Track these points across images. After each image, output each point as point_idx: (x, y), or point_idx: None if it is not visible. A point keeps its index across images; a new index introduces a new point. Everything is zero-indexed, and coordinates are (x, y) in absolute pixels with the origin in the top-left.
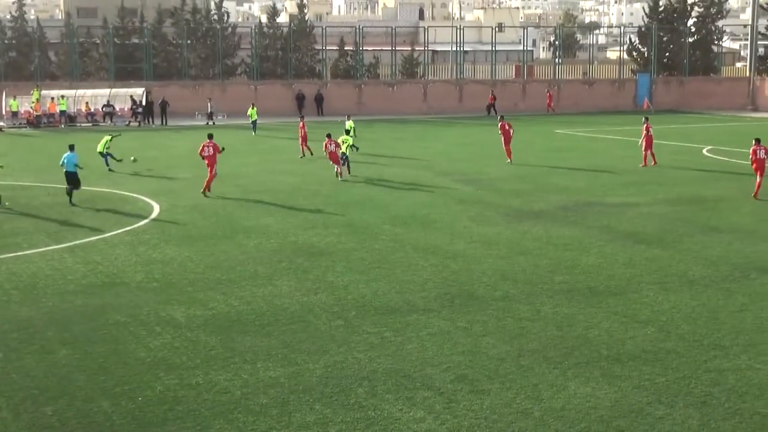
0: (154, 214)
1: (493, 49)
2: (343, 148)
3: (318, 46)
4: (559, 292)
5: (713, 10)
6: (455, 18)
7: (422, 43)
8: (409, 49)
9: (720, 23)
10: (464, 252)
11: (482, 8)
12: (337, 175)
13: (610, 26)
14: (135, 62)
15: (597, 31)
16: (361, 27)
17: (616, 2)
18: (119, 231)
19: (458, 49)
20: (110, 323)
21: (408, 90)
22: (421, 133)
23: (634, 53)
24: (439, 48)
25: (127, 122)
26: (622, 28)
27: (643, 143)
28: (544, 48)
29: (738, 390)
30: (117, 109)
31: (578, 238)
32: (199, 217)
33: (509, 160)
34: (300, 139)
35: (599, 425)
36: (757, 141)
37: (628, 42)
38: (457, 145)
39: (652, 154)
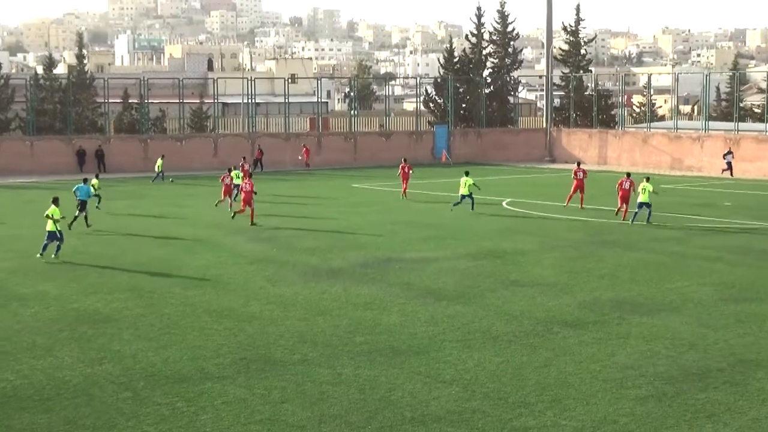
0: None
1: (287, 101)
2: (466, 189)
3: (100, 99)
4: (361, 354)
5: (508, 61)
6: (246, 69)
7: (212, 95)
8: (198, 101)
9: (515, 74)
10: (260, 314)
11: (274, 59)
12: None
13: (406, 77)
14: None
15: (393, 82)
16: (146, 78)
17: (411, 53)
18: None
19: (249, 101)
20: None
21: (197, 144)
22: (212, 189)
23: (431, 105)
24: (229, 100)
25: None
26: (418, 78)
27: (573, 184)
28: (339, 99)
29: None
30: None
31: (378, 297)
32: None
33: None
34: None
35: None
36: (627, 175)
37: (424, 93)
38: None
39: (581, 198)
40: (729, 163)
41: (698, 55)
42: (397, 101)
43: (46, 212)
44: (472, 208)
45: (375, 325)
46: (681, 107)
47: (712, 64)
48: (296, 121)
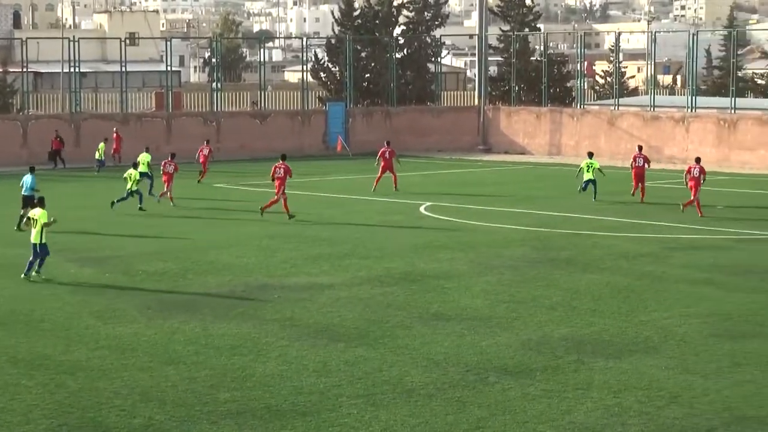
0: None
1: (123, 69)
2: (590, 173)
3: None
4: (226, 416)
5: (428, 15)
6: (67, 26)
7: (19, 61)
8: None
9: (438, 33)
10: (87, 363)
11: (106, 12)
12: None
13: (289, 37)
14: None
15: (271, 44)
16: None
17: (295, 4)
18: None
19: (72, 69)
20: None
21: None
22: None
23: (323, 75)
24: (44, 69)
25: None
26: (305, 39)
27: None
28: (196, 68)
29: None
30: None
31: (251, 337)
32: None
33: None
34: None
35: None
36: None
37: (313, 59)
38: (71, 209)
39: (641, 188)
40: None
41: (682, 8)
42: (277, 70)
43: (34, 217)
44: (595, 198)
45: (245, 376)
46: (660, 77)
47: (701, 19)
48: (137, 98)
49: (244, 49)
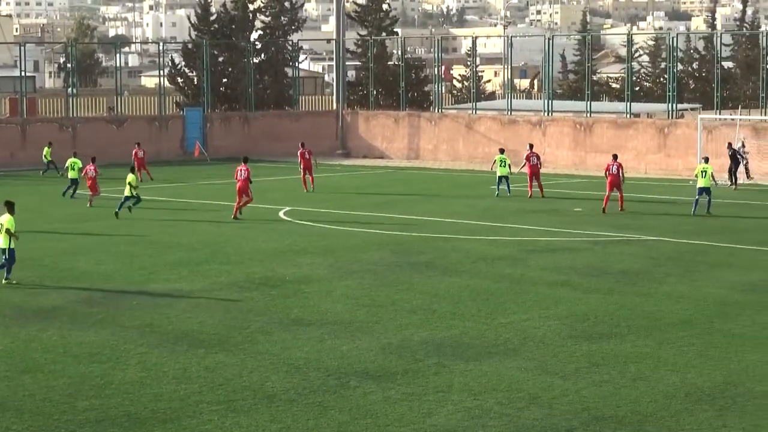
0: None
1: None
2: (505, 169)
3: None
4: (85, 424)
5: (285, 20)
6: None
7: None
8: None
9: (295, 38)
10: None
11: None
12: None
13: (145, 42)
14: None
15: (127, 49)
16: None
17: (151, 9)
18: None
19: None
20: None
21: None
22: None
23: (180, 80)
24: None
25: None
26: (162, 44)
27: (527, 172)
28: (51, 73)
29: None
30: None
31: (110, 345)
32: None
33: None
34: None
35: None
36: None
37: (170, 64)
38: None
39: (539, 185)
40: (739, 159)
41: (538, 12)
42: (133, 75)
43: (1, 222)
44: (497, 193)
45: (104, 384)
46: (516, 81)
47: (556, 23)
48: None
49: (100, 54)
